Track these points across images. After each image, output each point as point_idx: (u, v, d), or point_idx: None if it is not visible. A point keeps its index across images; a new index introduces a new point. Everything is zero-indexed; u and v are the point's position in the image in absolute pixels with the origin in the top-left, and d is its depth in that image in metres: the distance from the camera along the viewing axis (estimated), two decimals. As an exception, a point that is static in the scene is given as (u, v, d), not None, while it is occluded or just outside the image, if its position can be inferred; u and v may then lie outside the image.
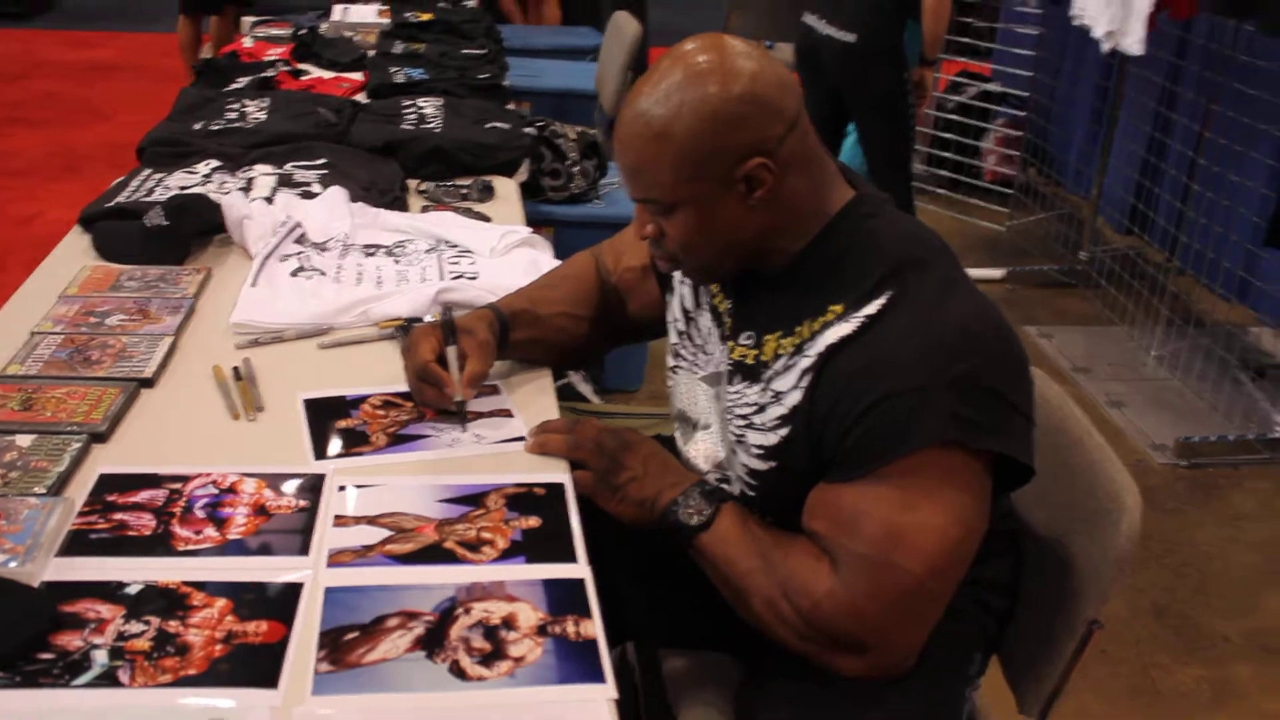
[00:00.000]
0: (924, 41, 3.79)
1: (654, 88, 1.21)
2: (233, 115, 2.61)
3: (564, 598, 1.18)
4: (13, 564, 1.15)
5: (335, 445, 1.43)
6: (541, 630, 1.12)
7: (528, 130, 2.67)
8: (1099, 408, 3.51)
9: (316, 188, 2.20)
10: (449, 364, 1.47)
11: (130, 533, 1.24)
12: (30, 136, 5.62)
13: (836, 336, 1.22)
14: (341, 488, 1.34)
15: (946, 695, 1.35)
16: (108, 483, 1.32)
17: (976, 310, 1.22)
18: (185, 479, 1.33)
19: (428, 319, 1.73)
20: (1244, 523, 3.01)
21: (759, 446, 1.31)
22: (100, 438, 1.41)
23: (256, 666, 1.06)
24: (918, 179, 4.81)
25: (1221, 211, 3.88)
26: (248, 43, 3.56)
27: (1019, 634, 1.43)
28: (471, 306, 1.63)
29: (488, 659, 1.08)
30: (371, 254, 1.98)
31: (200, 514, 1.27)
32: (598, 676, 1.07)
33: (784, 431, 1.27)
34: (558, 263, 1.80)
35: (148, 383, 1.54)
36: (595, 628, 1.13)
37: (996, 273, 4.47)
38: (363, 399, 1.54)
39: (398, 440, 1.45)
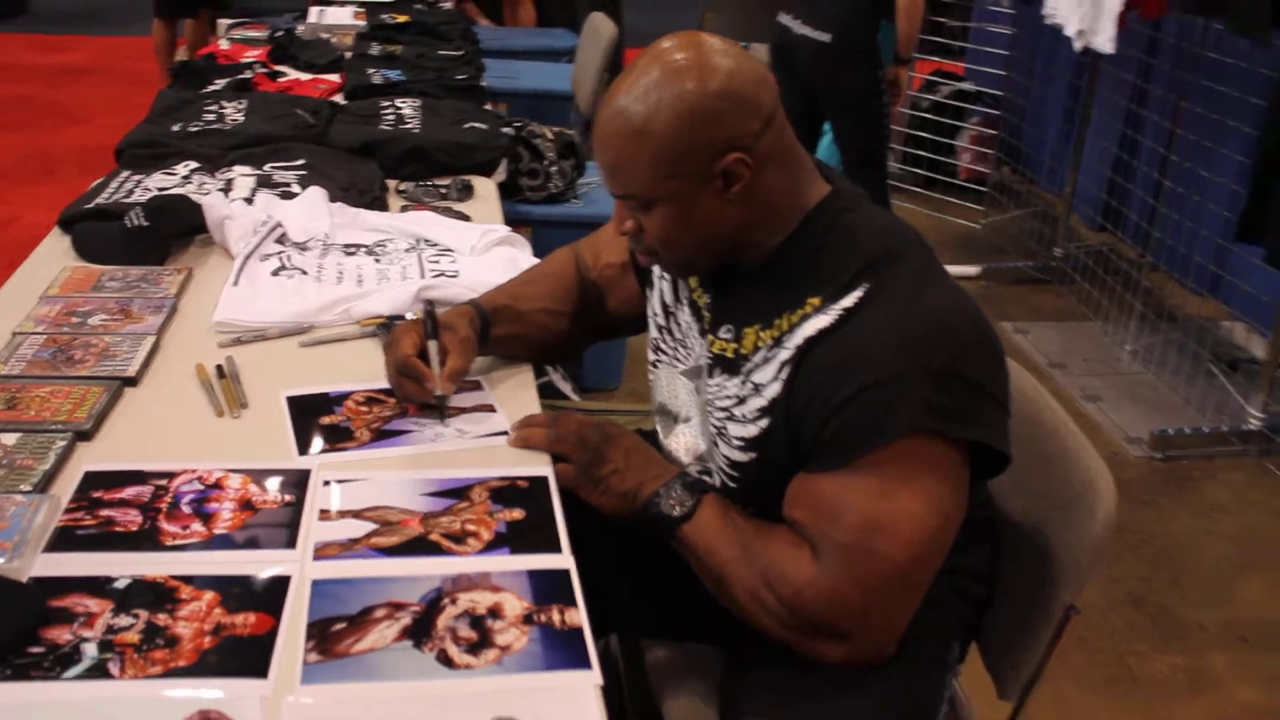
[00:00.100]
0: (898, 41, 3.82)
1: (632, 85, 1.22)
2: (211, 117, 2.61)
3: (549, 588, 1.19)
4: (0, 560, 1.16)
5: (319, 441, 1.44)
6: (527, 619, 1.14)
7: (506, 130, 2.68)
8: (1074, 402, 3.55)
9: (296, 188, 2.21)
10: (430, 359, 1.48)
11: (117, 528, 1.24)
12: (2, 140, 5.58)
13: (815, 329, 1.24)
14: (326, 482, 1.35)
15: (927, 683, 1.37)
16: (93, 480, 1.33)
17: (953, 302, 1.24)
18: (171, 475, 1.34)
19: (409, 316, 1.74)
20: (1218, 514, 3.05)
21: (739, 438, 1.33)
22: (85, 436, 1.41)
23: (245, 657, 1.07)
24: (893, 178, 4.84)
25: (1193, 207, 3.92)
26: (224, 45, 3.55)
27: (997, 621, 1.45)
28: (452, 304, 1.64)
29: (474, 648, 1.10)
30: (352, 253, 1.99)
31: (186, 509, 1.28)
32: (584, 663, 1.09)
33: (764, 423, 1.29)
34: (537, 260, 1.82)
35: (131, 381, 1.55)
36: (580, 616, 1.15)
37: (972, 270, 4.50)
38: (346, 395, 1.55)
39: (381, 435, 1.46)
